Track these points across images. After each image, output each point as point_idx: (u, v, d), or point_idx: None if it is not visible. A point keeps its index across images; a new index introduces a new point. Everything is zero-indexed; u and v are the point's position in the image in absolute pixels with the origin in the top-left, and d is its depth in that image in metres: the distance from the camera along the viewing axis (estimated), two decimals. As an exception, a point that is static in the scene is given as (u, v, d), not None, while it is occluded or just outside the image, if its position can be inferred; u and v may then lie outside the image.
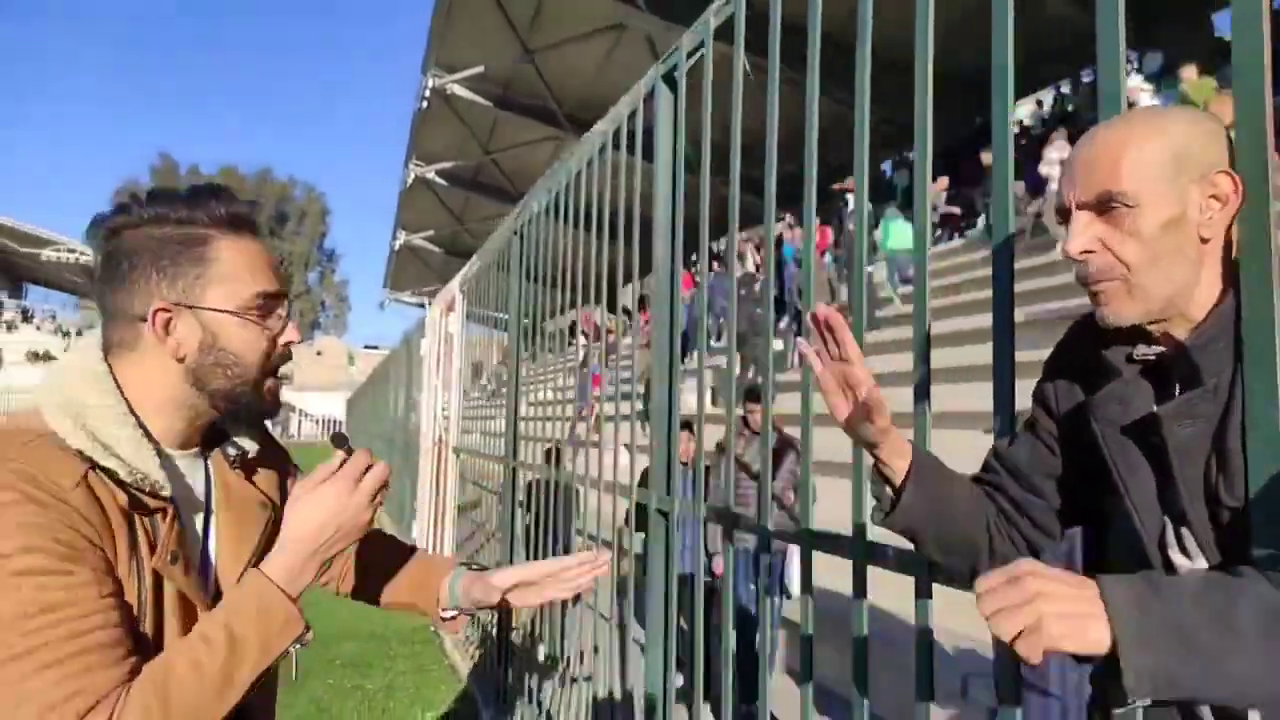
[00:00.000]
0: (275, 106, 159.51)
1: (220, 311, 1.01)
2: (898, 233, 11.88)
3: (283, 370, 1.10)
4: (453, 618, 1.36)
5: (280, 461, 1.25)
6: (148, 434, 1.00)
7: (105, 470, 0.94)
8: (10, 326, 54.31)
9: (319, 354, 71.41)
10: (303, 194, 78.00)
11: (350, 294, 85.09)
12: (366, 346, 71.12)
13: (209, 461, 1.13)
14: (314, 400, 54.71)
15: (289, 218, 76.60)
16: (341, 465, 1.02)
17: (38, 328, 55.36)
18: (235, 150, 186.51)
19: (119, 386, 1.00)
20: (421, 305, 42.56)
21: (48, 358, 51.31)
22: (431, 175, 27.50)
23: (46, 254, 49.94)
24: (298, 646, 0.98)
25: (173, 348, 1.01)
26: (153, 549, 0.96)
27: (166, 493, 0.98)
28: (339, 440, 1.07)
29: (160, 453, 1.02)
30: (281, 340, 1.08)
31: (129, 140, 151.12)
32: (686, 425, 2.82)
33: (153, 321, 1.00)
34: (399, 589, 1.37)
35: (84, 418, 0.94)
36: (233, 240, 1.04)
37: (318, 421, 52.92)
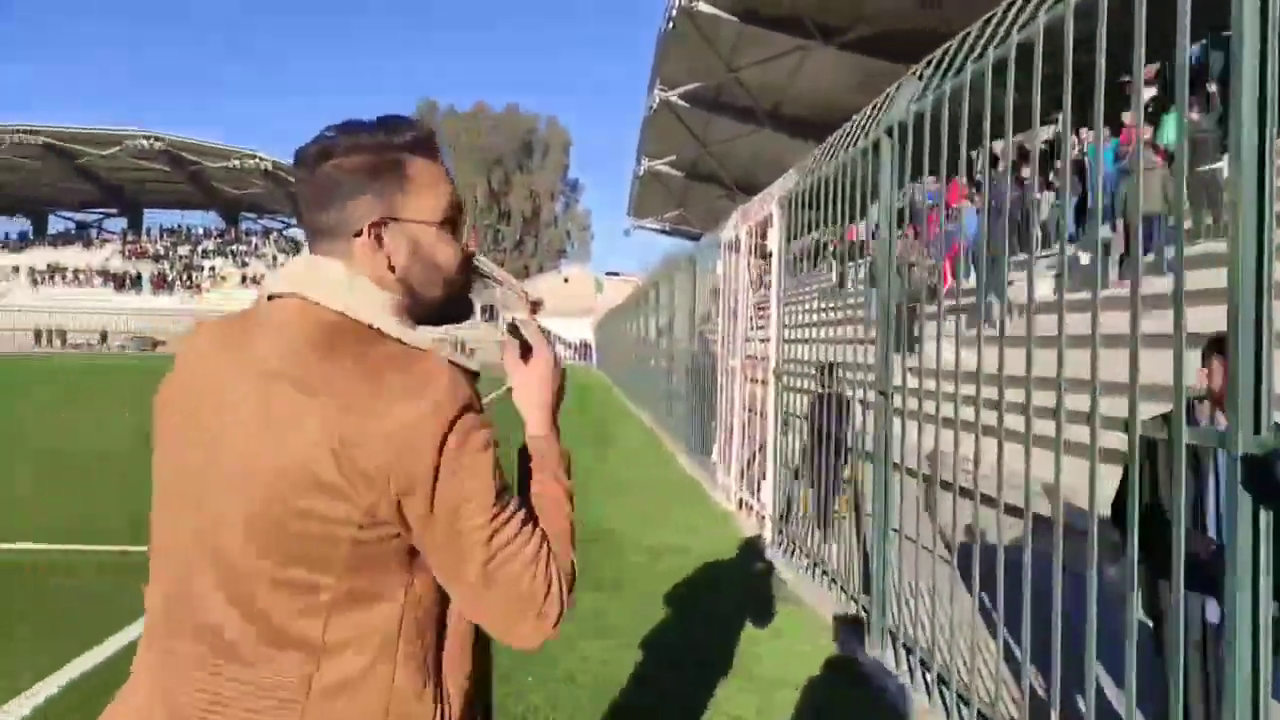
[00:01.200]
0: (520, 39, 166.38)
1: (423, 223, 1.13)
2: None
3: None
4: None
5: None
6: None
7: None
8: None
9: (566, 281, 75.01)
10: (547, 127, 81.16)
11: (593, 223, 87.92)
12: (608, 274, 73.57)
13: None
14: (564, 325, 57.82)
15: (535, 151, 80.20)
16: (522, 344, 1.25)
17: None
18: (484, 89, 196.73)
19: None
20: (664, 231, 43.45)
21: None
22: (674, 98, 27.54)
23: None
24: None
25: (386, 258, 1.11)
26: None
27: None
28: (513, 330, 1.27)
29: None
30: (469, 249, 1.20)
31: (390, 88, 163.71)
32: (1218, 346, 2.44)
33: (368, 234, 1.09)
34: None
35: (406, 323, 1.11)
36: (425, 161, 1.14)
37: (570, 346, 56.14)
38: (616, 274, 72.56)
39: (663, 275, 14.43)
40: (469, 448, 1.01)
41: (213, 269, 59.83)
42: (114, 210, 67.35)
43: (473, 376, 1.09)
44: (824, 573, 5.21)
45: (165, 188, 61.73)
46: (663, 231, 43.59)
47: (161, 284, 57.40)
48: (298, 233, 65.81)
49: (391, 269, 1.11)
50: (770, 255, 7.08)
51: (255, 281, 58.02)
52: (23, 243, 62.22)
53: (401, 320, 1.10)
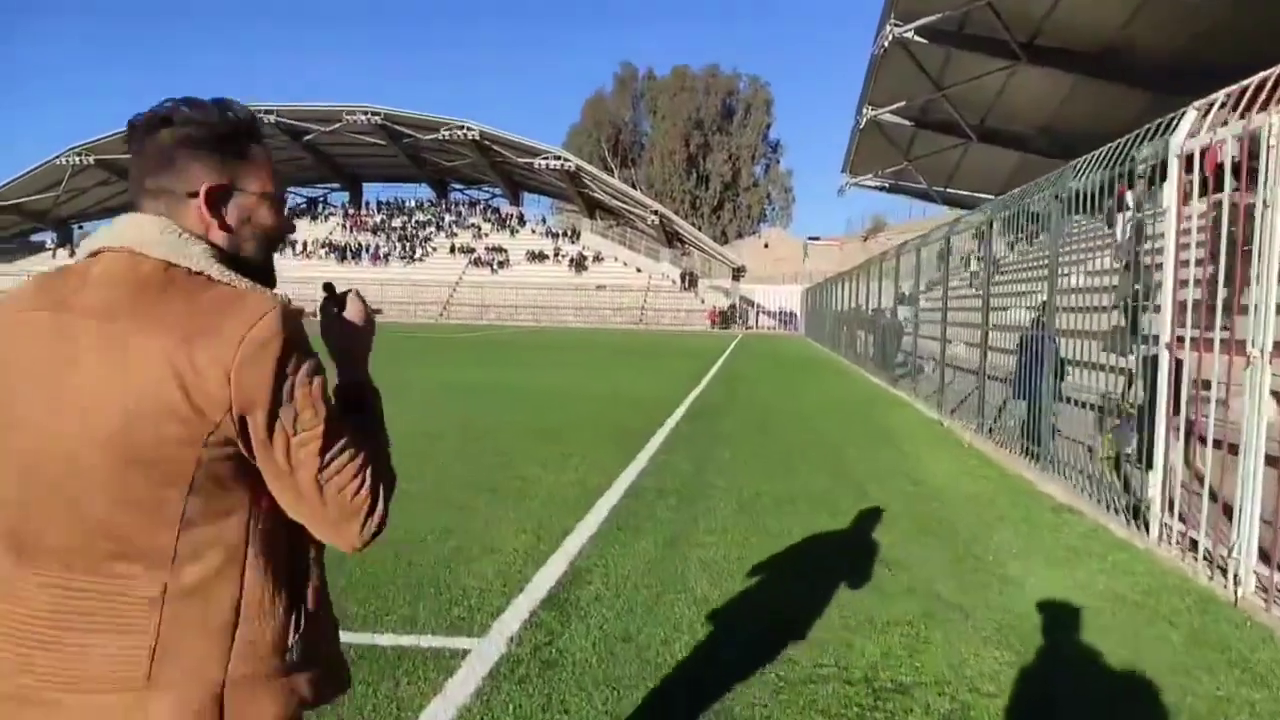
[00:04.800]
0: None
1: (252, 193, 1.28)
2: None
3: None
4: None
5: None
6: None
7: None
8: (512, 231, 62.50)
9: (766, 246, 72.25)
10: (747, 87, 78.14)
11: (794, 185, 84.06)
12: (810, 238, 70.17)
13: None
14: (764, 293, 54.96)
15: (735, 111, 77.48)
16: (329, 297, 1.41)
17: (532, 231, 63.04)
18: (685, 51, 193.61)
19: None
20: (883, 188, 39.78)
21: (541, 257, 58.09)
22: (910, 34, 24.20)
23: (537, 162, 55.86)
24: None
25: (220, 220, 1.26)
26: None
27: None
28: (328, 287, 1.44)
29: None
30: (289, 225, 1.39)
31: (589, 52, 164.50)
32: None
33: (205, 197, 1.24)
34: None
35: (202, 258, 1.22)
36: (258, 144, 1.31)
37: (773, 315, 53.25)
38: (817, 239, 69.18)
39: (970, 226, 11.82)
40: (301, 371, 1.18)
41: (425, 239, 61.84)
42: (337, 185, 71.28)
43: (297, 313, 1.21)
44: None
45: (381, 161, 64.37)
46: (881, 189, 39.94)
47: (379, 255, 59.97)
48: (502, 203, 67.10)
49: (225, 229, 1.26)
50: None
51: (464, 251, 59.45)
52: (260, 217, 66.80)
53: (225, 271, 1.21)
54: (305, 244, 60.98)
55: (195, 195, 1.22)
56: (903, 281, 15.81)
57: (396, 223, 64.86)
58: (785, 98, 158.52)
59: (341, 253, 60.44)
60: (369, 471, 1.23)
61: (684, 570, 4.39)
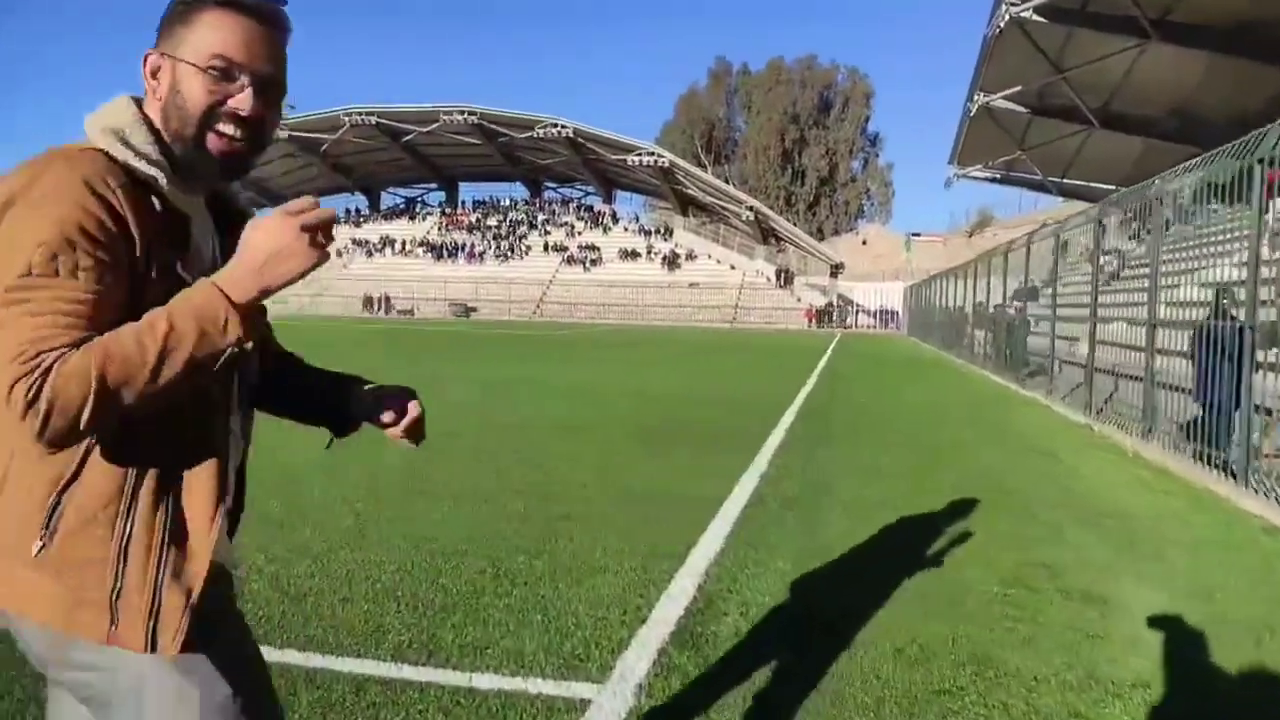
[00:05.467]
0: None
1: (184, 62, 1.16)
2: None
3: (232, 131, 1.19)
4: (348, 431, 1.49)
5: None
6: (173, 161, 1.19)
7: (143, 181, 1.14)
8: (606, 229, 62.32)
9: (864, 243, 70.18)
10: (846, 79, 76.11)
11: (893, 179, 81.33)
12: (909, 234, 67.81)
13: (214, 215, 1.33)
14: (863, 292, 53.12)
15: (832, 105, 75.54)
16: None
17: (625, 228, 62.68)
18: (781, 45, 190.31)
19: (146, 119, 1.19)
20: (994, 179, 37.82)
21: (634, 255, 57.67)
22: (1028, 13, 22.70)
23: (631, 159, 55.47)
24: (234, 350, 1.08)
25: (153, 89, 1.20)
26: (171, 250, 1.16)
27: (185, 213, 1.20)
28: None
29: (182, 181, 1.20)
30: (233, 102, 1.18)
31: (682, 50, 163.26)
32: None
33: (144, 65, 1.19)
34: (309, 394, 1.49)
35: (126, 139, 1.14)
36: (220, 13, 1.16)
37: (871, 314, 51.40)
38: (917, 234, 66.80)
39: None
40: (25, 202, 1.05)
41: (520, 238, 62.23)
42: (434, 185, 72.49)
43: (61, 158, 1.10)
44: None
45: (477, 161, 65.09)
46: (992, 180, 38.03)
47: (474, 254, 60.63)
48: (595, 201, 67.02)
49: (159, 103, 1.19)
50: None
51: (557, 250, 59.54)
52: (360, 218, 68.57)
53: (147, 145, 1.15)
54: (404, 243, 62.12)
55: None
56: (1032, 275, 14.61)
57: (492, 221, 65.48)
58: (886, 88, 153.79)
59: (438, 251, 61.33)
60: (43, 350, 0.99)
61: (838, 594, 3.66)
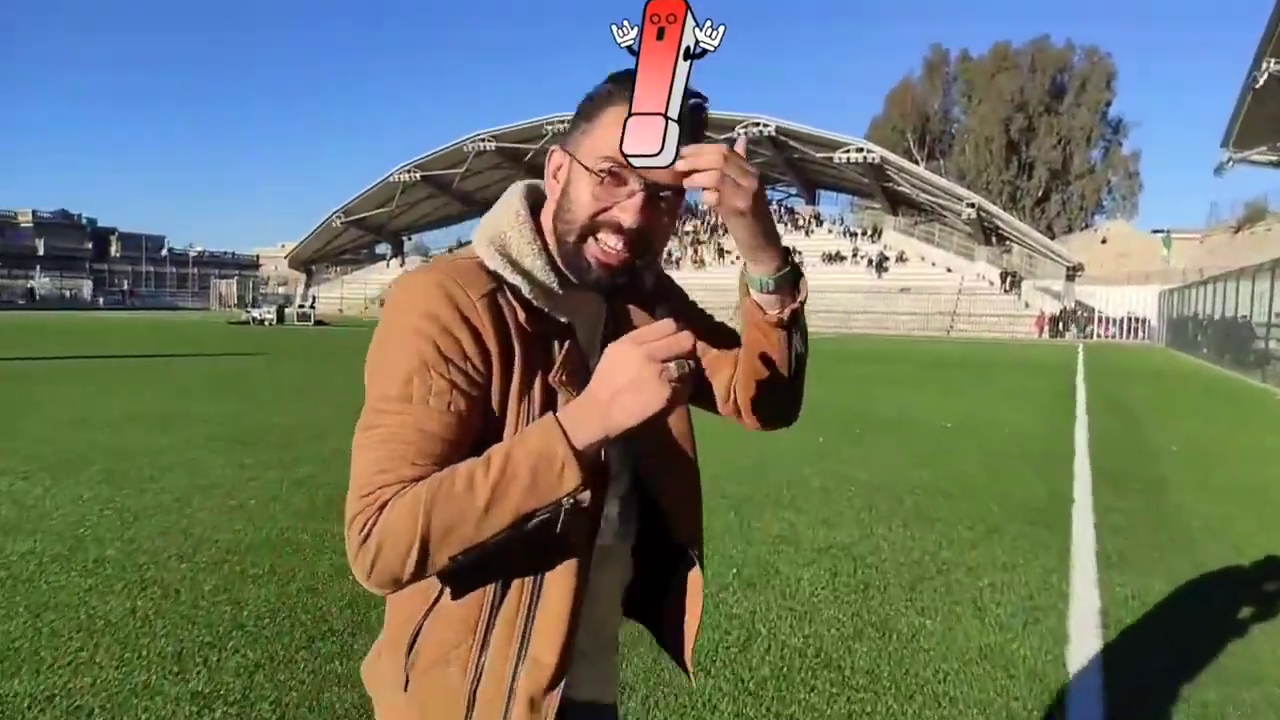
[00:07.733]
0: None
1: (579, 163, 1.08)
2: None
3: (653, 249, 1.13)
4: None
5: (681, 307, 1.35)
6: (555, 264, 1.10)
7: (512, 289, 1.07)
8: (807, 231, 59.35)
9: (1104, 242, 62.66)
10: (1083, 60, 68.49)
11: (1141, 169, 72.22)
12: (1154, 231, 59.83)
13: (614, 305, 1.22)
14: (1108, 296, 46.74)
15: (1066, 89, 68.20)
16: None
17: (829, 230, 59.37)
18: (1005, 28, 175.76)
19: (537, 226, 1.13)
20: (1277, 163, 31.71)
21: (838, 258, 54.39)
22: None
23: (837, 156, 52.16)
24: (569, 502, 0.94)
25: (552, 190, 1.13)
26: (541, 361, 1.06)
27: (564, 319, 1.10)
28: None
29: (564, 282, 1.11)
30: (618, 210, 1.08)
31: (887, 44, 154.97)
32: None
33: (548, 161, 1.13)
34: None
35: (504, 245, 1.09)
36: (623, 111, 1.01)
37: (1115, 321, 44.99)
38: (1163, 230, 58.82)
39: None
40: (390, 318, 1.03)
41: (718, 244, 60.68)
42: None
43: (431, 277, 1.05)
44: None
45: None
46: (1276, 164, 31.99)
47: (669, 259, 59.66)
48: (797, 203, 64.18)
49: (554, 201, 1.12)
50: None
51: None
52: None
53: (525, 251, 1.10)
54: (603, 249, 62.24)
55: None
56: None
57: (688, 226, 64.26)
58: (1129, 69, 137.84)
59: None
60: (378, 494, 0.94)
61: None
